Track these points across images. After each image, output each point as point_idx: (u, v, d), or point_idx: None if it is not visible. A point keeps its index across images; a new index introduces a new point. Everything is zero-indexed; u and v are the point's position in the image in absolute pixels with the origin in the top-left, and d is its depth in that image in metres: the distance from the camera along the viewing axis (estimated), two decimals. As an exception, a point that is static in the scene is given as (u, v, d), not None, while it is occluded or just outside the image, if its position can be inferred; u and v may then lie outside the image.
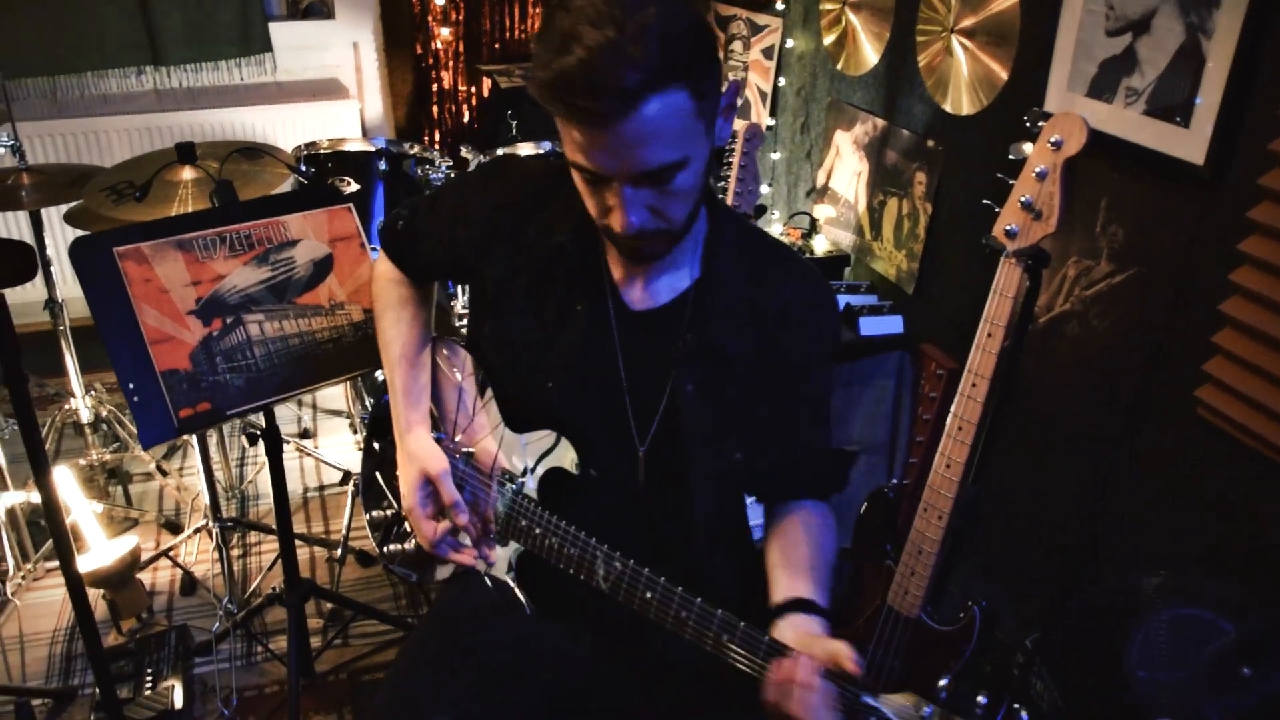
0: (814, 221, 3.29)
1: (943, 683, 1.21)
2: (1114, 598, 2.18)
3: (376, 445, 1.78)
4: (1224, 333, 1.86)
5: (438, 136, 4.62)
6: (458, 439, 1.59)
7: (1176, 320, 1.99)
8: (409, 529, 1.63)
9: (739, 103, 1.33)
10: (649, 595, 1.31)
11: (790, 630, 1.31)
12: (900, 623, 1.93)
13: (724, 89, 1.27)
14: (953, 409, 1.82)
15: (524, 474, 1.49)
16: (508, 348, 1.51)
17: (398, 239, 1.65)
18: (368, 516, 1.80)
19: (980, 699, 1.20)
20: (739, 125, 2.58)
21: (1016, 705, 1.21)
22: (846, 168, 3.20)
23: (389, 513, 1.74)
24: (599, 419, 1.45)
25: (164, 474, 3.25)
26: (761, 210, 3.22)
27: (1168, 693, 1.96)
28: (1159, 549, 2.09)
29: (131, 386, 1.75)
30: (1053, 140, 1.61)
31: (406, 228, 1.62)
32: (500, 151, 3.22)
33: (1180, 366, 1.97)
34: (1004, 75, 2.40)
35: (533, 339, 1.46)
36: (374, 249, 1.92)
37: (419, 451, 1.52)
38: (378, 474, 1.76)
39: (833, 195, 3.30)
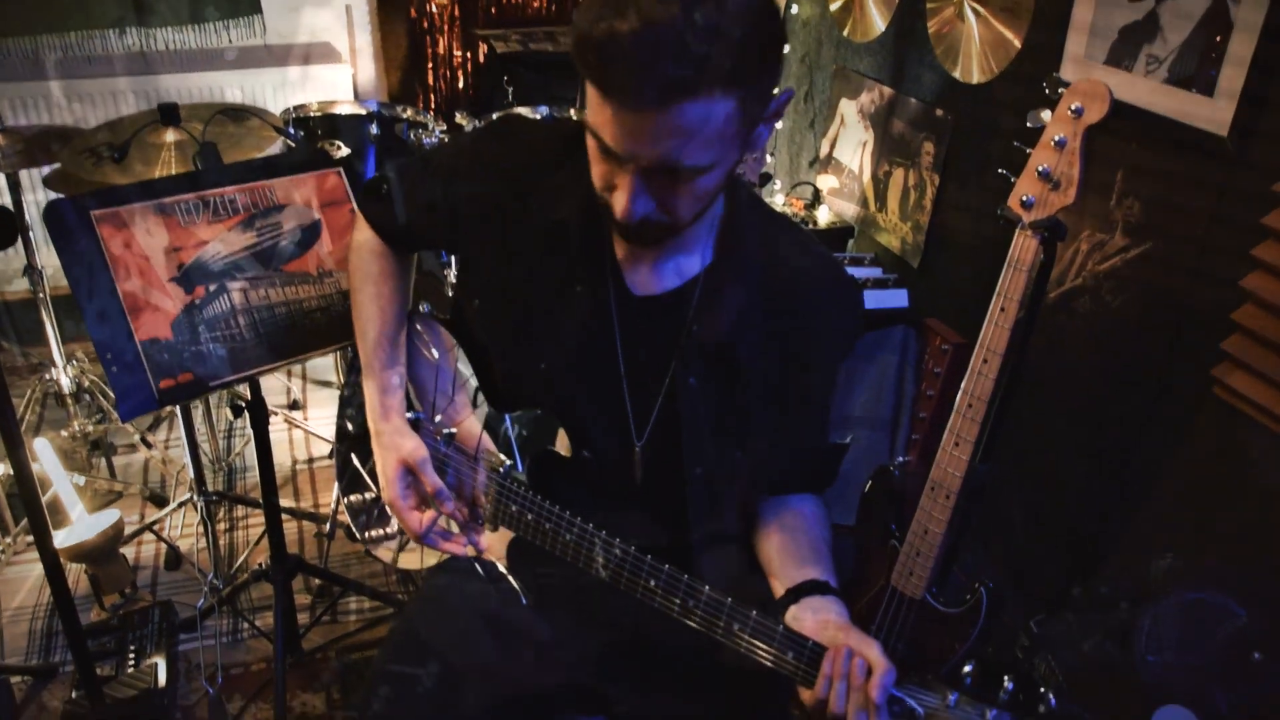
0: (817, 192, 3.22)
1: (968, 669, 1.16)
2: (1123, 580, 2.14)
3: (350, 427, 1.71)
4: (1244, 309, 1.81)
5: (432, 102, 4.53)
6: (438, 419, 1.52)
7: (1194, 296, 1.93)
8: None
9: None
10: (652, 583, 1.25)
11: (809, 614, 1.26)
12: (905, 604, 1.89)
13: (777, 95, 1.16)
14: (963, 386, 1.76)
15: (512, 456, 1.42)
16: (499, 325, 1.43)
17: (382, 204, 1.54)
18: (345, 501, 1.72)
19: (1007, 684, 1.16)
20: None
21: (1043, 689, 1.17)
22: (851, 137, 3.13)
23: (368, 496, 1.66)
24: (595, 406, 1.38)
25: (148, 446, 3.18)
26: (767, 179, 3.15)
27: (1177, 677, 1.93)
28: (1171, 531, 2.04)
29: (109, 356, 1.69)
30: (1073, 108, 1.55)
31: (392, 192, 1.53)
32: (495, 116, 3.13)
33: (1197, 344, 1.91)
34: (1017, 43, 2.32)
35: (527, 318, 1.39)
36: (354, 212, 1.85)
37: (396, 440, 1.45)
38: (354, 456, 1.69)
39: (837, 165, 3.23)
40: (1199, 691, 1.87)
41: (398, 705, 1.38)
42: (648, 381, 1.36)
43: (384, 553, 1.64)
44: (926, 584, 1.86)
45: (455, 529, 1.46)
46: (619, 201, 1.15)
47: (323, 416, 3.54)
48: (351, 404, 1.69)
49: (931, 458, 1.82)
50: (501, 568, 1.44)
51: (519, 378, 1.42)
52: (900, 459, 2.19)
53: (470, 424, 1.47)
